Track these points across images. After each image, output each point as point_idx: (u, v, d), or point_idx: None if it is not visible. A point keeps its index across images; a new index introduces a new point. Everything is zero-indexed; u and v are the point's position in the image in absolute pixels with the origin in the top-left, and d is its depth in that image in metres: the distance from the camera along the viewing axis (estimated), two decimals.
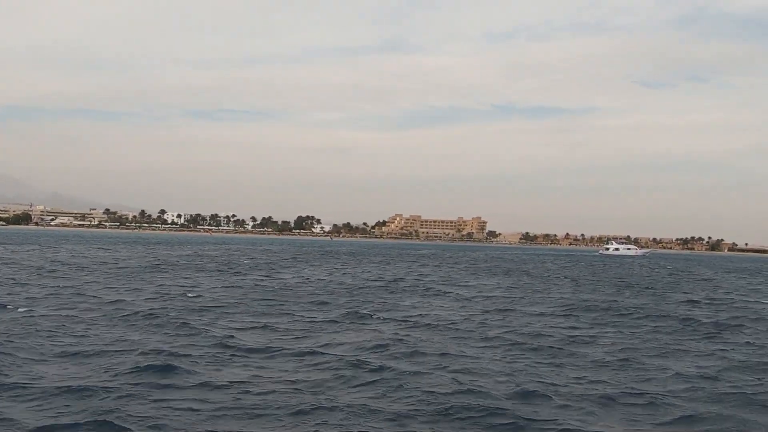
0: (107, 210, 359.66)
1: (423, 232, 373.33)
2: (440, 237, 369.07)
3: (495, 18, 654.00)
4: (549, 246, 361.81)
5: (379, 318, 23.13)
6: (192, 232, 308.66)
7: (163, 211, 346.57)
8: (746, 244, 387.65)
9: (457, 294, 34.40)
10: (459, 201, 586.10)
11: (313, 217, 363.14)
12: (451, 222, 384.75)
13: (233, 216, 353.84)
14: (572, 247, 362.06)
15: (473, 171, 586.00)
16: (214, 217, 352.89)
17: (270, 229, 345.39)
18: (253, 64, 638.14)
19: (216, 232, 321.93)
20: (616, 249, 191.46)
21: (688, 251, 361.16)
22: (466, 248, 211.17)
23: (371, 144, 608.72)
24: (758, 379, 14.65)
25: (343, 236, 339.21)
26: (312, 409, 11.02)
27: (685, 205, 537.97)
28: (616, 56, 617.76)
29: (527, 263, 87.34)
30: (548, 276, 56.86)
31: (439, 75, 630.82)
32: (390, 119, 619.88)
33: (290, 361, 15.10)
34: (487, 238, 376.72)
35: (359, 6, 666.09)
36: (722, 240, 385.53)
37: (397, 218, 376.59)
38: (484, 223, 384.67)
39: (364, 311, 24.59)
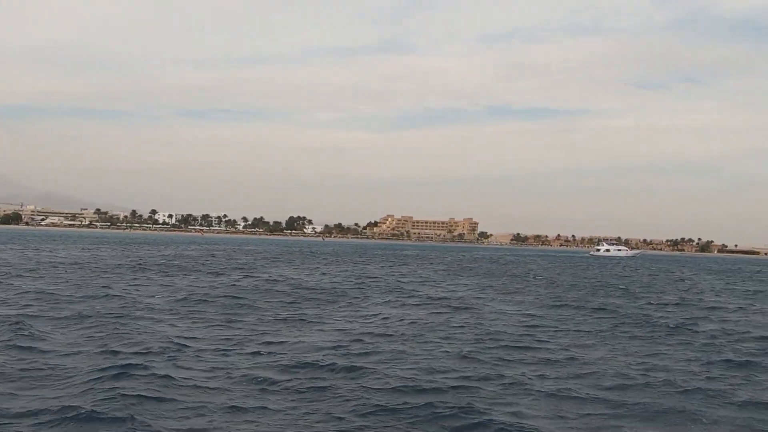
0: (98, 210, 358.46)
1: (414, 233, 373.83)
2: (431, 238, 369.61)
3: (493, 19, 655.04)
4: (540, 247, 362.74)
5: (343, 317, 23.34)
6: (183, 233, 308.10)
7: (154, 211, 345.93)
8: (735, 246, 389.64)
9: (429, 294, 34.61)
10: (452, 202, 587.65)
11: (304, 217, 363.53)
12: (443, 223, 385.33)
13: (224, 216, 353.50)
14: (563, 248, 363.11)
15: (467, 172, 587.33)
16: (205, 217, 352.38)
17: (261, 230, 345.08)
18: (251, 64, 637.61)
19: (207, 232, 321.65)
20: (607, 250, 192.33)
21: (677, 252, 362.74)
22: (454, 249, 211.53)
23: (367, 144, 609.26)
24: (688, 378, 14.91)
25: (334, 237, 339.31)
26: (249, 408, 11.21)
27: (676, 206, 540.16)
28: (613, 58, 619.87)
29: (510, 264, 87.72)
30: (527, 276, 57.18)
31: (436, 76, 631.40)
32: (386, 120, 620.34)
33: (238, 358, 15.25)
34: (478, 239, 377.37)
35: (359, 6, 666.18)
36: (712, 241, 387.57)
37: (389, 219, 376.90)
38: (476, 224, 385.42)
39: (328, 311, 24.79)
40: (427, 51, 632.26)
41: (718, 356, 17.69)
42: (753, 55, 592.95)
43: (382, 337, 18.94)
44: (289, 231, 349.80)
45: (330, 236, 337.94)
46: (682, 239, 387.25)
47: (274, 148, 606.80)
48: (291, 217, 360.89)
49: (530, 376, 14.27)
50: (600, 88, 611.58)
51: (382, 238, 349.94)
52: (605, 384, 13.82)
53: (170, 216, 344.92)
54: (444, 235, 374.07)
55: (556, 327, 22.77)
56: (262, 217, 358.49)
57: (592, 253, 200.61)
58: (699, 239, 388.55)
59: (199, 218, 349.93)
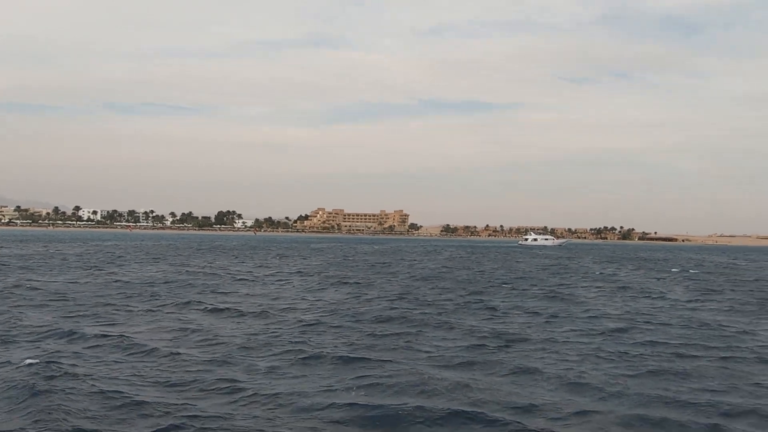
0: (18, 207, 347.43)
1: (345, 226, 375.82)
2: (362, 230, 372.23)
3: (425, 14, 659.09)
4: (469, 237, 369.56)
5: (196, 306, 24.72)
6: (109, 229, 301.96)
7: (78, 208, 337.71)
8: (655, 233, 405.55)
9: (297, 282, 36.12)
10: (385, 195, 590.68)
11: (234, 212, 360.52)
12: (374, 215, 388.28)
13: (152, 212, 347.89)
14: (491, 238, 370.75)
15: (400, 165, 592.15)
16: (131, 213, 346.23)
17: (190, 225, 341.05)
18: (179, 58, 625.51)
19: (134, 228, 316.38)
20: (535, 239, 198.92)
21: (601, 240, 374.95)
22: (376, 241, 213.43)
23: (299, 139, 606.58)
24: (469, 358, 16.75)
25: (264, 231, 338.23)
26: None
27: (600, 197, 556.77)
28: (543, 53, 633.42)
29: (415, 254, 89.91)
30: (412, 265, 59.35)
31: (370, 70, 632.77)
32: (318, 115, 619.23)
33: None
34: (408, 231, 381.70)
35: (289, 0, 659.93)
36: (633, 230, 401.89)
37: (320, 212, 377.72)
38: (406, 216, 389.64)
39: (180, 301, 26.05)
40: (359, 45, 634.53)
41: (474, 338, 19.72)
42: (677, 51, 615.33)
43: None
44: (219, 226, 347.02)
45: (260, 230, 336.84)
46: (605, 228, 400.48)
47: (204, 142, 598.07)
48: (220, 212, 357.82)
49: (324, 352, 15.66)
50: (531, 82, 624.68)
51: (313, 232, 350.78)
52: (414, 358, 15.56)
53: (95, 212, 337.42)
54: (375, 228, 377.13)
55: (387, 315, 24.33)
56: (190, 213, 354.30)
57: (520, 242, 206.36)
58: (621, 227, 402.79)
59: (125, 214, 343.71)
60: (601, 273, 55.33)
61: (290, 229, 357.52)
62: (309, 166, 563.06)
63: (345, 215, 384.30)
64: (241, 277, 41.32)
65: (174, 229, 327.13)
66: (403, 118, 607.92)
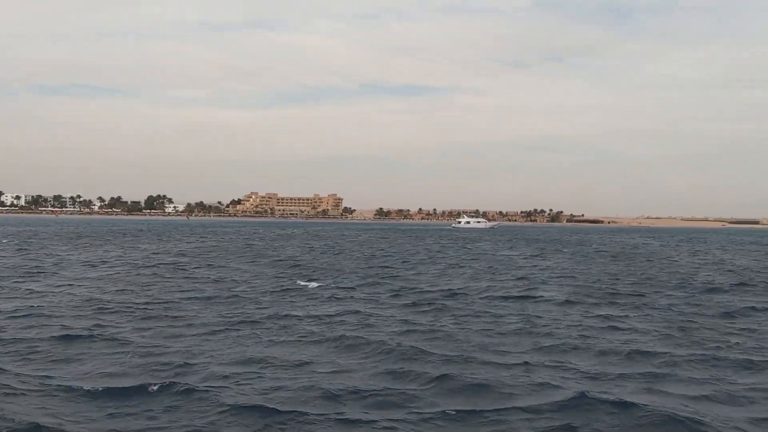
0: None
1: (279, 210, 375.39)
2: (296, 214, 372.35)
3: None
4: (401, 221, 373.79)
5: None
6: (33, 215, 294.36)
7: None
8: (582, 216, 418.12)
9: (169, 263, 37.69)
10: (321, 179, 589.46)
11: (164, 196, 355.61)
12: (307, 199, 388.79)
13: (78, 197, 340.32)
14: (424, 221, 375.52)
15: (339, 149, 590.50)
16: (57, 198, 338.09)
17: (119, 210, 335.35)
18: (110, 38, 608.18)
19: (60, 213, 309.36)
20: (467, 222, 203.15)
21: (530, 223, 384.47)
22: (299, 225, 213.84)
23: (236, 123, 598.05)
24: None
25: (196, 215, 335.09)
26: None
27: (533, 180, 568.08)
28: (481, 38, 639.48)
29: (323, 239, 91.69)
30: (312, 249, 61.60)
31: (309, 53, 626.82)
32: (256, 98, 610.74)
33: None
34: (342, 215, 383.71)
35: None
36: (561, 212, 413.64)
37: (253, 196, 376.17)
38: (340, 200, 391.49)
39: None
40: (298, 28, 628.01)
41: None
42: (615, 36, 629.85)
43: None
44: (149, 211, 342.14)
45: (192, 215, 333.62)
46: (535, 210, 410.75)
47: (136, 125, 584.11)
48: (150, 197, 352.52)
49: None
50: (468, 66, 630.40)
51: (246, 216, 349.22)
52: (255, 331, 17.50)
53: (18, 197, 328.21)
54: (308, 212, 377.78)
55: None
56: (119, 197, 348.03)
57: (453, 225, 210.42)
58: (550, 210, 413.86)
59: (50, 199, 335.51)
60: (476, 254, 58.50)
61: (222, 214, 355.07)
62: (244, 150, 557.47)
63: (279, 199, 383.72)
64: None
65: (102, 214, 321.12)
66: (342, 102, 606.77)
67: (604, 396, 10.95)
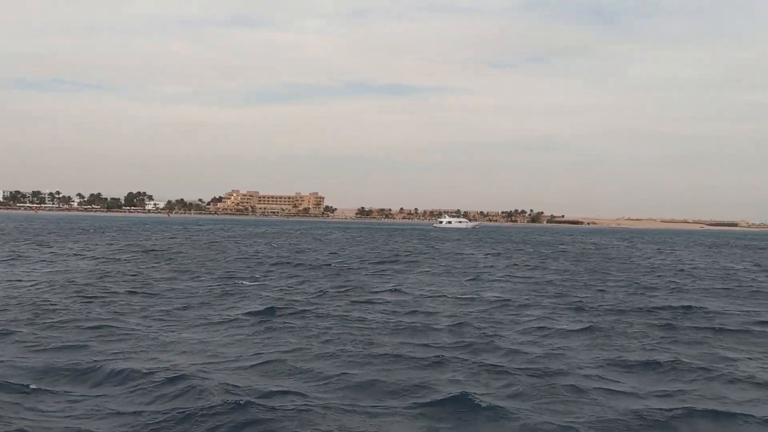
0: None
1: (260, 208, 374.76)
2: (277, 213, 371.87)
3: None
4: (383, 220, 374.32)
5: None
6: (12, 210, 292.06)
7: None
8: (563, 216, 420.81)
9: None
10: (303, 178, 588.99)
11: (144, 193, 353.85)
12: (289, 198, 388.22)
13: (57, 193, 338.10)
14: (405, 221, 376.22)
15: (320, 148, 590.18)
16: (36, 194, 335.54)
17: (98, 207, 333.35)
18: (92, 33, 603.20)
19: (39, 209, 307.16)
20: (449, 222, 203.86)
21: (510, 223, 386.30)
22: (276, 223, 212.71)
23: (218, 120, 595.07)
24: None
25: (176, 213, 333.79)
26: None
27: (515, 180, 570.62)
28: (465, 37, 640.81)
29: (282, 237, 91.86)
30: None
31: (292, 52, 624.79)
32: (239, 95, 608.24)
33: None
34: (324, 213, 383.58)
35: None
36: (542, 213, 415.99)
37: (234, 194, 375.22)
38: (321, 198, 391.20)
39: None
40: (282, 26, 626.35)
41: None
42: (599, 37, 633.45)
43: None
44: (129, 208, 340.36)
45: (172, 212, 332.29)
46: (516, 211, 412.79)
47: (116, 121, 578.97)
48: (130, 193, 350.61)
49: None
50: (453, 66, 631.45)
51: (227, 214, 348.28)
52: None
53: None
54: (290, 210, 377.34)
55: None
56: (99, 194, 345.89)
57: (435, 225, 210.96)
58: (531, 210, 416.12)
59: (29, 195, 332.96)
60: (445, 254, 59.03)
61: (203, 211, 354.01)
62: (227, 148, 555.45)
63: (260, 197, 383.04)
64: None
65: (81, 210, 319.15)
66: (329, 100, 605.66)
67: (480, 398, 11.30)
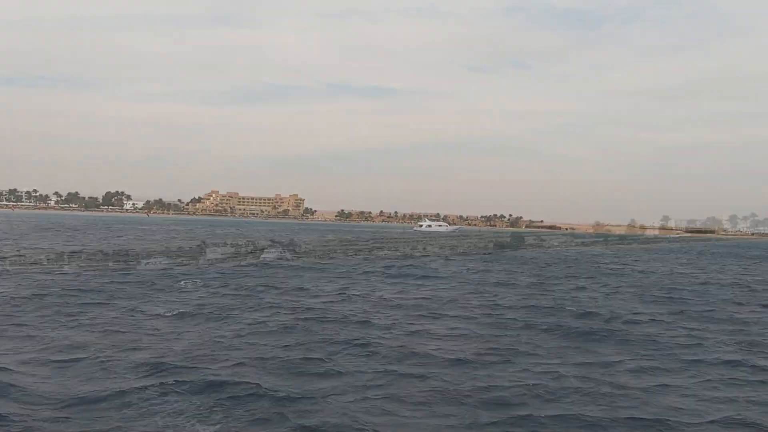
0: None
1: (240, 209, 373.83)
2: (256, 214, 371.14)
3: None
4: (363, 222, 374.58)
5: None
6: None
7: None
8: (541, 221, 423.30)
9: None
10: (283, 179, 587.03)
11: (123, 192, 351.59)
12: (268, 199, 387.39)
13: (34, 191, 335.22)
14: (385, 223, 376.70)
15: (300, 149, 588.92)
16: (12, 192, 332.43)
17: (75, 206, 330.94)
18: (69, 29, 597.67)
19: (16, 207, 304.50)
20: (429, 226, 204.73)
21: (489, 228, 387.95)
22: (249, 224, 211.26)
23: (197, 119, 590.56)
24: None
25: (154, 213, 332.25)
26: None
27: (494, 185, 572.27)
28: (446, 41, 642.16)
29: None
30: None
31: (275, 51, 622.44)
32: (220, 95, 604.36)
33: None
34: (303, 215, 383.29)
35: None
36: (521, 217, 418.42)
37: (213, 195, 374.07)
38: (301, 200, 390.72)
39: None
40: (263, 25, 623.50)
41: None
42: (577, 43, 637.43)
43: None
44: (106, 207, 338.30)
45: (151, 212, 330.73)
46: (495, 215, 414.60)
47: (94, 119, 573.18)
48: (108, 193, 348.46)
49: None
50: (433, 69, 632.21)
51: (205, 215, 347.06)
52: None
53: None
54: (269, 212, 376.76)
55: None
56: (77, 192, 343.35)
57: (415, 228, 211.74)
58: (510, 215, 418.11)
59: (5, 193, 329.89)
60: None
61: (182, 212, 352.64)
62: (206, 148, 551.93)
63: (239, 198, 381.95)
64: None
65: (58, 209, 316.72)
66: (310, 101, 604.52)
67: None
